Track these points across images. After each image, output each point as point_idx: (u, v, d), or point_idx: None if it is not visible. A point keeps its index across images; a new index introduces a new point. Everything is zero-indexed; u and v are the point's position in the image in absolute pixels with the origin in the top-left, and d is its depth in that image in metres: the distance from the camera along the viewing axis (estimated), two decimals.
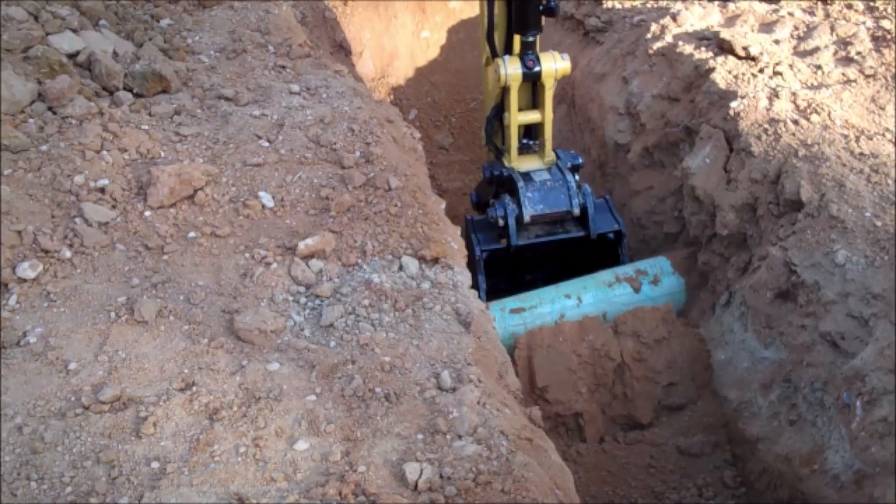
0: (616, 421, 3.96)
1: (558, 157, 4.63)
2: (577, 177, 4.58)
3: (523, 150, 4.64)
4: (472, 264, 4.14)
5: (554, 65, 4.29)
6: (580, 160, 4.67)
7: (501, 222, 4.41)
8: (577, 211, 4.42)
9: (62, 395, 2.23)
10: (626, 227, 4.61)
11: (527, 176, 4.51)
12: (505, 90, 4.37)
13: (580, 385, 3.93)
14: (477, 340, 2.65)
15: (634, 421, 3.93)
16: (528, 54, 4.28)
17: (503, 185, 4.60)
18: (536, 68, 4.26)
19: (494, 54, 4.50)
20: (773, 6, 4.98)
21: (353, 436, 2.22)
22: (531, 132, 4.66)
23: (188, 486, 2.04)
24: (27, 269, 2.54)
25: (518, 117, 4.47)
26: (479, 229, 4.62)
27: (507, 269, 4.68)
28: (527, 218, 4.39)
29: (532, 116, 4.51)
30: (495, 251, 4.54)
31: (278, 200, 3.05)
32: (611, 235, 4.58)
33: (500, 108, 4.53)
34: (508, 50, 4.44)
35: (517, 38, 4.36)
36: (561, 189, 4.43)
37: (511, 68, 4.25)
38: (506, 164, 4.60)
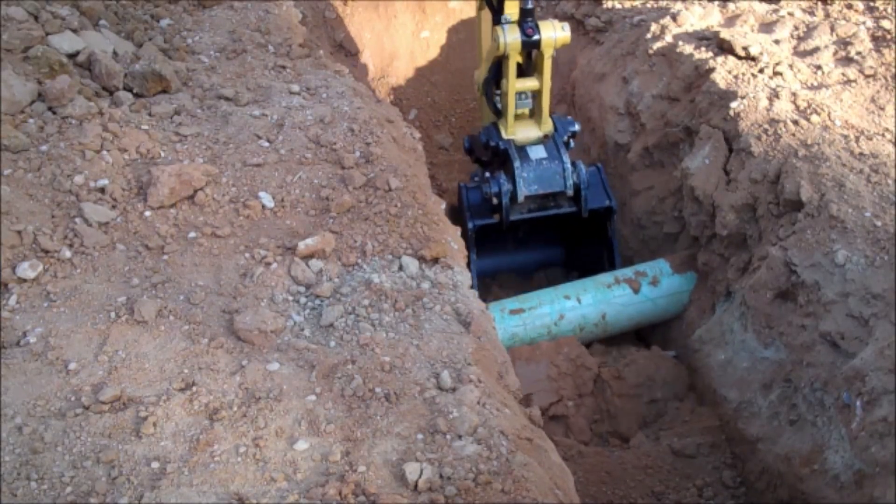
0: (603, 437, 4.01)
1: (555, 126, 4.67)
2: (572, 144, 4.67)
3: (519, 115, 4.68)
4: (462, 233, 4.35)
5: (553, 34, 4.27)
6: (577, 126, 4.74)
7: (496, 200, 4.49)
8: (570, 192, 4.51)
9: (62, 395, 2.23)
10: (615, 203, 4.72)
11: (523, 153, 4.56)
12: (503, 58, 4.36)
13: (563, 394, 3.98)
14: (477, 340, 2.65)
15: (621, 436, 3.98)
16: (528, 21, 4.25)
17: (498, 156, 4.66)
18: (535, 36, 4.24)
19: (490, 4, 4.48)
20: (773, 6, 4.98)
21: (353, 436, 2.22)
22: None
23: (188, 486, 2.04)
24: (27, 269, 2.54)
25: (516, 85, 4.48)
26: (472, 201, 4.69)
27: (497, 239, 4.82)
28: (521, 198, 4.49)
29: (530, 84, 4.52)
30: (487, 225, 4.66)
31: (278, 201, 3.05)
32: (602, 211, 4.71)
33: (498, 72, 4.53)
34: (500, 8, 4.41)
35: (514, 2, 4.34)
36: (556, 169, 4.51)
37: (510, 37, 4.23)
38: (503, 132, 4.63)
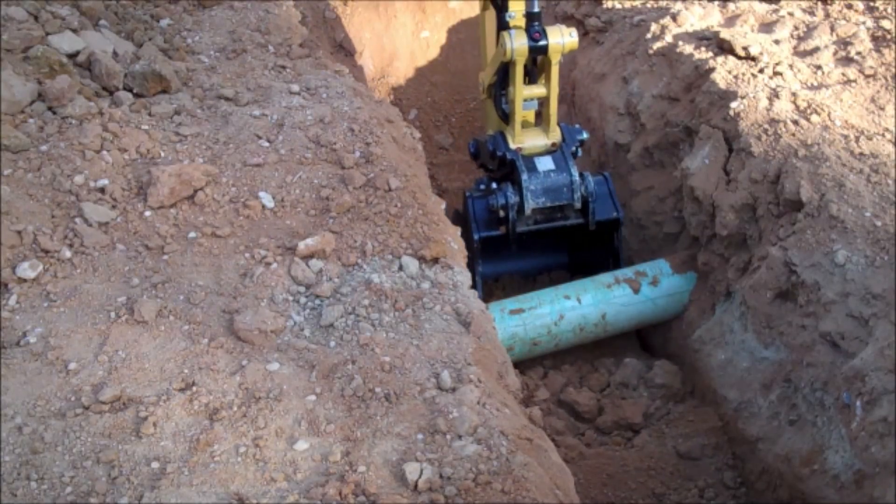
0: (610, 429, 4.03)
1: (563, 135, 4.58)
2: (580, 153, 4.61)
3: (526, 122, 4.61)
4: (468, 243, 4.22)
5: (561, 39, 4.19)
6: (585, 134, 4.66)
7: (502, 213, 4.42)
8: (578, 205, 4.44)
9: (62, 395, 2.23)
10: (623, 213, 4.66)
11: (530, 164, 4.48)
12: (510, 63, 4.28)
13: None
14: (477, 340, 2.65)
15: (629, 423, 4.00)
16: (534, 26, 4.18)
17: (505, 165, 4.58)
18: (542, 42, 4.17)
19: (495, 3, 4.40)
20: (773, 6, 4.98)
21: (353, 436, 2.22)
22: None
23: (188, 486, 2.04)
24: (27, 269, 2.54)
25: (524, 92, 4.40)
26: (478, 211, 4.62)
27: (503, 250, 4.74)
28: (528, 211, 4.42)
29: (537, 91, 4.44)
30: (493, 237, 4.59)
31: (278, 201, 3.05)
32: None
33: (505, 77, 4.46)
34: (504, 6, 4.35)
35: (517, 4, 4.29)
36: (564, 181, 4.43)
37: (517, 42, 4.15)
38: (510, 141, 4.55)
